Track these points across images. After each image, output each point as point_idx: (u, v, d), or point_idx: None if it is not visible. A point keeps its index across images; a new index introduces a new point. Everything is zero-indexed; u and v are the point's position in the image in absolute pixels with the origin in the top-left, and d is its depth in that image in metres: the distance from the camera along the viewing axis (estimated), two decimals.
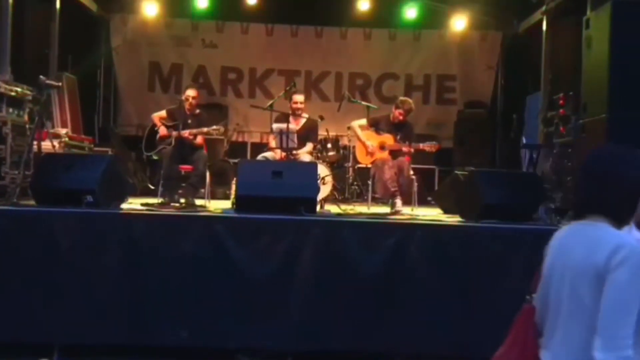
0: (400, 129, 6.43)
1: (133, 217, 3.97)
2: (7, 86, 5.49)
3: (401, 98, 6.64)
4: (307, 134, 6.41)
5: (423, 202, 6.99)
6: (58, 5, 7.94)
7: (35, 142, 5.28)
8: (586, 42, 4.58)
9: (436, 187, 8.73)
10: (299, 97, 6.51)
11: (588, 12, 5.72)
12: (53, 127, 7.21)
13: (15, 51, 6.54)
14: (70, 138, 6.83)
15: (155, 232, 3.85)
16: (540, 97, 8.33)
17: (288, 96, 6.63)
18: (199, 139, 6.07)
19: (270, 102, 6.73)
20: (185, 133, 5.97)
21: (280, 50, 9.98)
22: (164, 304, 3.81)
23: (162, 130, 6.13)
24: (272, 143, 6.35)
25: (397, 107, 6.43)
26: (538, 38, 8.55)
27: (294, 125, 6.26)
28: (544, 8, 8.30)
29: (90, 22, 9.40)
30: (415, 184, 6.43)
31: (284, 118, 6.27)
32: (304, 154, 6.29)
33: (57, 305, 3.74)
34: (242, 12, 9.69)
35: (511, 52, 9.92)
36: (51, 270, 3.76)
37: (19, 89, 5.67)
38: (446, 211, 6.03)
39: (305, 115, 6.49)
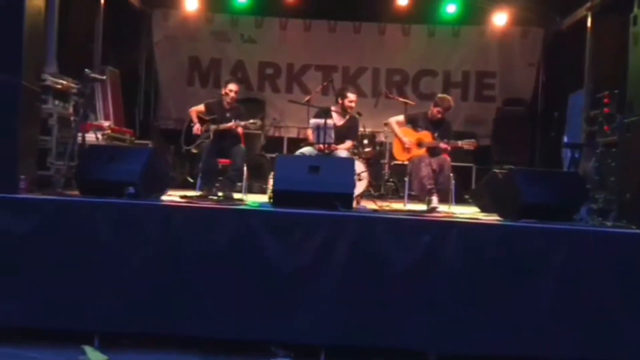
0: (438, 126, 6.38)
1: (172, 209, 4.04)
2: (53, 79, 5.64)
3: (440, 95, 6.58)
4: (348, 130, 6.40)
5: (460, 201, 6.93)
6: (103, 0, 8.12)
7: (79, 134, 5.42)
8: (633, 39, 4.46)
9: (473, 185, 8.63)
10: (353, 96, 6.44)
11: (635, 9, 5.55)
12: (96, 119, 7.40)
13: (61, 45, 6.72)
14: (112, 130, 6.99)
15: (194, 224, 3.91)
16: (583, 95, 8.14)
17: (340, 93, 6.55)
18: (239, 130, 6.14)
19: (308, 97, 6.75)
20: (226, 126, 6.04)
21: (318, 46, 10.01)
22: (201, 295, 3.87)
23: (197, 128, 6.21)
24: (311, 137, 6.35)
25: (435, 105, 6.36)
26: (582, 35, 8.35)
27: (339, 121, 6.24)
28: (588, 4, 8.10)
29: (133, 17, 9.59)
30: (453, 182, 6.37)
31: (324, 113, 6.24)
32: (342, 150, 6.29)
33: (98, 293, 3.83)
34: (281, 8, 9.75)
35: (553, 48, 9.71)
36: (93, 258, 3.85)
37: (64, 82, 5.81)
38: (483, 210, 5.96)
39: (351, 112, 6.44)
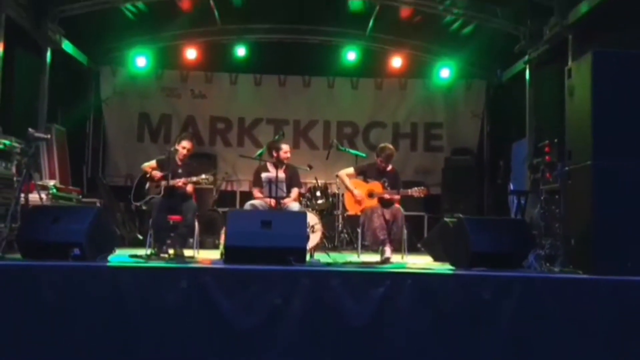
0: (387, 176, 6.47)
1: (120, 271, 3.91)
2: None
3: (381, 145, 6.67)
4: (291, 180, 6.42)
5: (413, 249, 6.97)
6: (48, 58, 8.03)
7: (22, 195, 5.24)
8: (568, 91, 4.68)
9: (425, 234, 8.73)
10: (286, 147, 6.52)
11: (569, 62, 5.89)
12: (41, 178, 7.20)
13: (4, 103, 6.58)
14: (58, 190, 6.79)
15: (143, 285, 3.79)
16: (525, 143, 8.45)
17: (273, 146, 6.60)
18: (189, 188, 6.06)
19: (259, 151, 6.76)
20: (176, 182, 5.96)
21: (269, 100, 10.13)
22: (153, 357, 3.72)
23: (156, 174, 6.11)
24: (258, 193, 6.33)
25: (378, 155, 6.50)
26: (522, 86, 8.74)
27: (281, 174, 6.27)
28: (526, 58, 8.51)
29: (80, 74, 9.51)
30: (405, 232, 6.42)
31: (268, 167, 6.23)
32: (292, 203, 6.28)
33: None
34: (231, 63, 9.87)
35: (496, 100, 10.13)
36: (37, 325, 3.68)
37: (6, 142, 5.67)
38: (436, 259, 6.01)
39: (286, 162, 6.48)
